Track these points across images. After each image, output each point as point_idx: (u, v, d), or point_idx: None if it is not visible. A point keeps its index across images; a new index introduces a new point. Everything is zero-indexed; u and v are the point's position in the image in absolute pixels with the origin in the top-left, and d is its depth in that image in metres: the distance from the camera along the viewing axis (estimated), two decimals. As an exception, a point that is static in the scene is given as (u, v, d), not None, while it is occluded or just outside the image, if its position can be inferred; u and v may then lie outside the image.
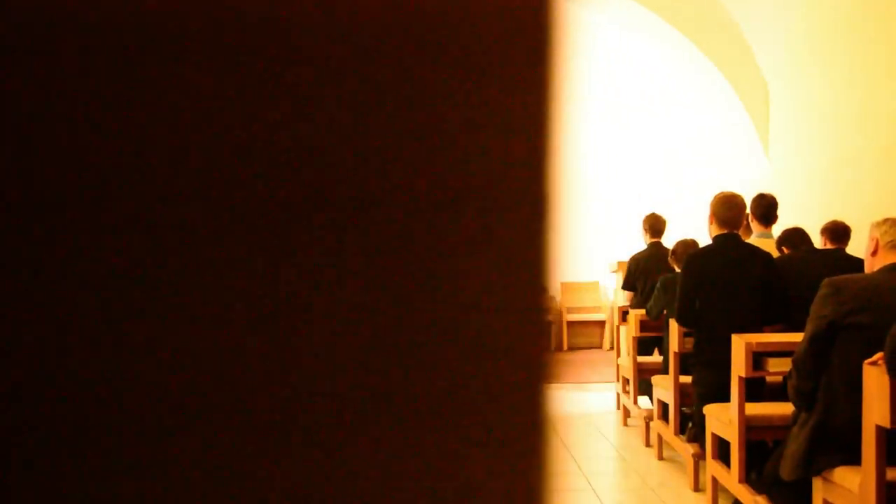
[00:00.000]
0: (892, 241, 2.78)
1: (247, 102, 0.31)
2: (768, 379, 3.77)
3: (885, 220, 2.87)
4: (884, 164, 4.13)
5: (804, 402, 2.81)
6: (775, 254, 4.38)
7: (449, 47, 0.33)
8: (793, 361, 2.90)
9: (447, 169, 0.33)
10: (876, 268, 2.82)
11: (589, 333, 10.22)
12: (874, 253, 2.85)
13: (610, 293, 10.01)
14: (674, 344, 4.27)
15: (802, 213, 5.06)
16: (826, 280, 2.77)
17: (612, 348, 8.59)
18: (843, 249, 4.18)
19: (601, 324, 10.02)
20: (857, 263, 3.58)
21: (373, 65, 0.32)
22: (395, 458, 0.33)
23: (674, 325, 4.24)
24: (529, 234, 0.34)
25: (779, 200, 5.56)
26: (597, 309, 10.10)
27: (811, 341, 2.77)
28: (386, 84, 0.32)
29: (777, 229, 4.66)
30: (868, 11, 4.31)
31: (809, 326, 2.79)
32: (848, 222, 4.28)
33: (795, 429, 2.79)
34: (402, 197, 0.32)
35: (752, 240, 4.66)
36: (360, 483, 0.32)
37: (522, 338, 0.34)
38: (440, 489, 0.33)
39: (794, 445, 2.74)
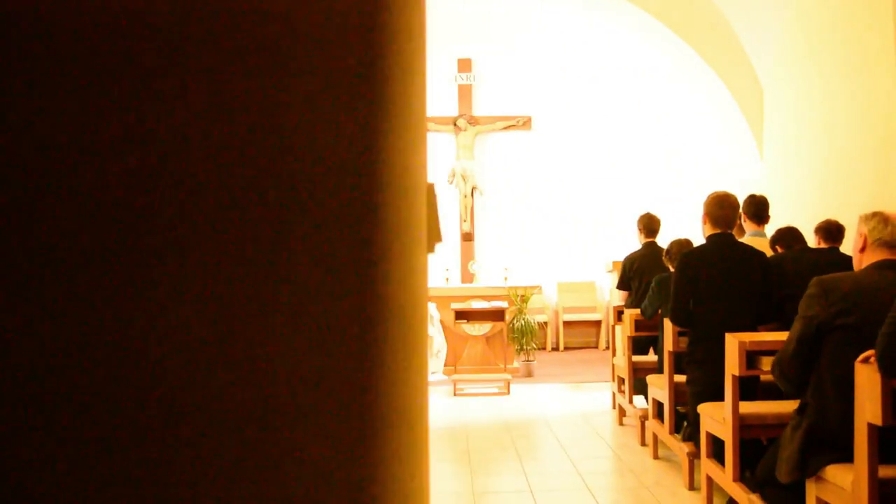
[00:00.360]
0: (880, 238, 2.76)
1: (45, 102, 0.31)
2: (762, 377, 3.78)
3: (874, 215, 2.83)
4: (877, 164, 4.14)
5: (794, 391, 2.84)
6: (769, 253, 4.40)
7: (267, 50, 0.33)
8: (777, 361, 2.88)
9: (266, 177, 0.33)
10: (864, 264, 2.80)
11: (585, 333, 10.23)
12: (862, 249, 2.82)
13: (606, 293, 10.02)
14: (668, 343, 4.28)
15: (796, 212, 5.08)
16: (814, 280, 2.75)
17: (607, 348, 8.60)
18: (837, 248, 4.20)
19: (597, 323, 10.02)
20: (850, 262, 3.58)
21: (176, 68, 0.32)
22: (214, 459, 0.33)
23: (668, 325, 4.25)
24: (356, 240, 0.34)
25: (773, 200, 5.57)
26: (593, 309, 10.11)
27: (798, 342, 2.76)
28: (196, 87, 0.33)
29: (771, 228, 4.67)
30: (860, 14, 4.33)
31: (797, 326, 2.78)
32: (842, 221, 4.29)
33: (788, 431, 2.79)
34: (214, 208, 0.33)
35: (746, 239, 4.67)
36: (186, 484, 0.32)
37: (345, 349, 0.35)
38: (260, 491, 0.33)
39: (789, 449, 2.73)
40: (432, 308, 7.90)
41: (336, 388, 0.35)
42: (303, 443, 0.34)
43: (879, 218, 2.79)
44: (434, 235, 0.90)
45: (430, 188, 0.90)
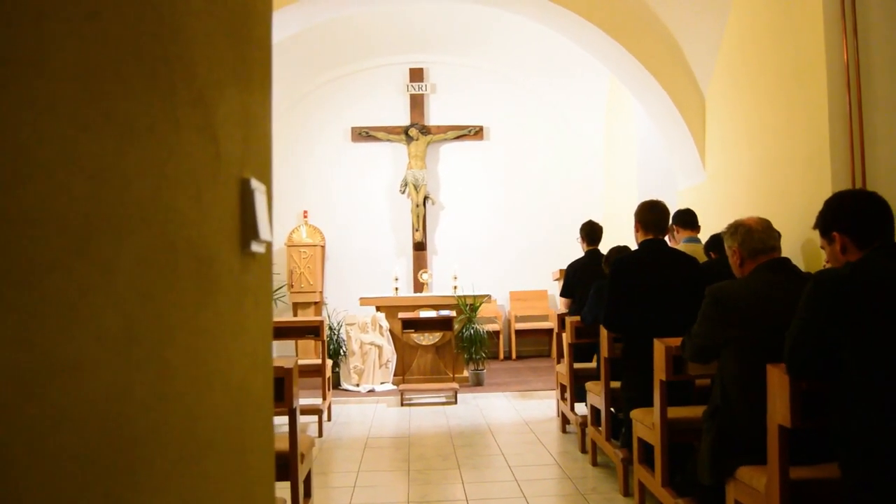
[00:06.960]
0: (753, 248, 2.89)
1: None
2: (697, 382, 3.81)
3: (737, 228, 2.96)
4: (808, 172, 4.21)
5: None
6: (703, 259, 4.44)
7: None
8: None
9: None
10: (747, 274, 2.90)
11: (537, 342, 10.26)
12: (741, 264, 2.94)
13: (558, 301, 10.05)
14: (604, 349, 4.29)
15: (734, 217, 5.14)
16: (708, 291, 2.83)
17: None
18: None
19: (550, 332, 10.05)
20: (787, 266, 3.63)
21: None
22: None
23: (604, 331, 4.27)
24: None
25: (715, 208, 5.65)
26: (545, 317, 10.14)
27: (700, 350, 2.88)
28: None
29: (707, 235, 4.72)
30: (791, 24, 4.41)
31: (698, 333, 2.87)
32: (776, 226, 4.34)
33: (703, 434, 2.82)
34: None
35: (681, 246, 4.72)
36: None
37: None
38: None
39: (704, 451, 2.77)
40: (381, 318, 7.85)
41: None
42: None
43: (743, 230, 2.91)
44: (249, 232, 0.87)
45: (245, 185, 0.88)
